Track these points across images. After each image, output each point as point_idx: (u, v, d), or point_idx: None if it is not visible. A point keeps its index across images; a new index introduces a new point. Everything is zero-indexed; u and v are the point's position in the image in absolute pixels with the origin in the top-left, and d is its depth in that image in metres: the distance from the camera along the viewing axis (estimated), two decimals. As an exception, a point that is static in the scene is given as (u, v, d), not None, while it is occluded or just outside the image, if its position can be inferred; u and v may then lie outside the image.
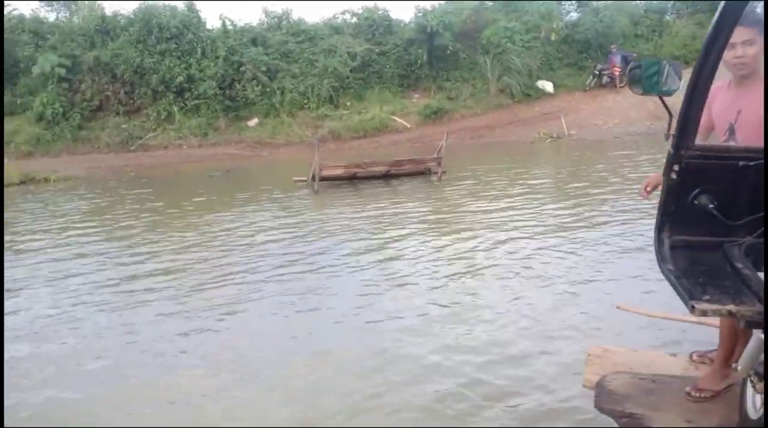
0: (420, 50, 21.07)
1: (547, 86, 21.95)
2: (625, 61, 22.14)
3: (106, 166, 15.74)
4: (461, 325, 5.01)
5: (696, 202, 2.51)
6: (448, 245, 7.69)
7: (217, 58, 18.94)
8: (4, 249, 8.25)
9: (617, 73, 21.92)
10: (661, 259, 2.53)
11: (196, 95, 18.59)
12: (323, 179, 11.69)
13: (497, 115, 20.24)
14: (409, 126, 19.40)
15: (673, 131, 2.44)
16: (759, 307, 2.11)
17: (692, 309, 2.18)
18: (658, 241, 2.59)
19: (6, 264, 7.26)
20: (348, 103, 20.01)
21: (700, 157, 2.47)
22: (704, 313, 2.20)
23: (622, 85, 21.96)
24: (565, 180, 12.32)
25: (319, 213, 10.28)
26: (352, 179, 12.31)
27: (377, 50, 20.94)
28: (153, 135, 17.95)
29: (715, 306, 2.18)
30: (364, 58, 20.54)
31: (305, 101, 19.37)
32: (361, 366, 4.33)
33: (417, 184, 12.35)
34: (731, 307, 2.16)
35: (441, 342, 4.67)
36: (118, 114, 18.43)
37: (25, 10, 25.60)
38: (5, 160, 16.03)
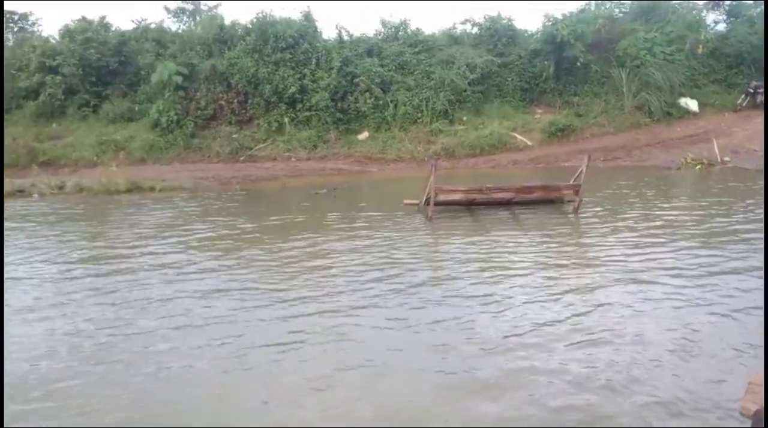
0: (546, 62, 19.30)
1: (692, 105, 19.45)
2: (787, 78, 19.24)
3: (213, 177, 15.35)
4: None
5: None
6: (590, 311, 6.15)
7: (331, 69, 18.24)
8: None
9: (775, 92, 19.03)
10: None
11: (308, 107, 17.97)
12: (438, 204, 10.39)
13: (633, 135, 18.06)
14: (530, 144, 17.70)
15: None
16: None
17: None
18: None
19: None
20: (464, 118, 18.63)
21: None
22: None
23: (781, 104, 19.07)
24: (731, 220, 10.21)
25: (432, 248, 9.05)
26: (470, 205, 10.91)
27: (499, 62, 19.43)
28: (263, 146, 17.48)
29: None
30: (483, 70, 19.10)
31: (419, 115, 18.20)
32: None
33: (546, 215, 10.77)
34: None
35: None
36: (230, 123, 18.17)
37: (154, 17, 26.51)
38: (114, 167, 16.20)
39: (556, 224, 10.17)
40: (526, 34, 21.08)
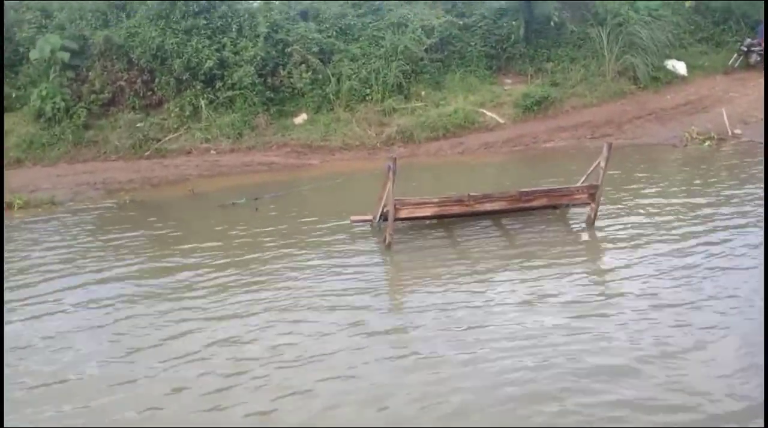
0: (515, 22, 16.31)
1: (679, 67, 16.86)
2: (783, 34, 16.83)
3: (103, 182, 11.82)
4: None
5: None
6: None
7: (257, 36, 14.77)
8: None
9: (772, 50, 16.63)
10: None
11: (229, 85, 14.50)
12: (399, 220, 7.38)
13: (619, 106, 15.35)
14: (502, 121, 14.78)
15: None
16: None
17: None
18: None
19: None
20: (422, 93, 15.52)
21: None
22: None
23: (777, 65, 16.69)
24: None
25: (382, 319, 6.08)
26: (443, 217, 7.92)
27: (460, 23, 16.30)
28: (174, 136, 13.98)
29: None
30: (442, 34, 15.96)
31: (368, 91, 14.98)
32: None
33: (550, 230, 7.93)
34: None
35: None
36: (133, 109, 14.53)
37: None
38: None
39: (569, 247, 7.33)
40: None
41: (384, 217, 7.29)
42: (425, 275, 6.80)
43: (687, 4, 17.44)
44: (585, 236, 7.64)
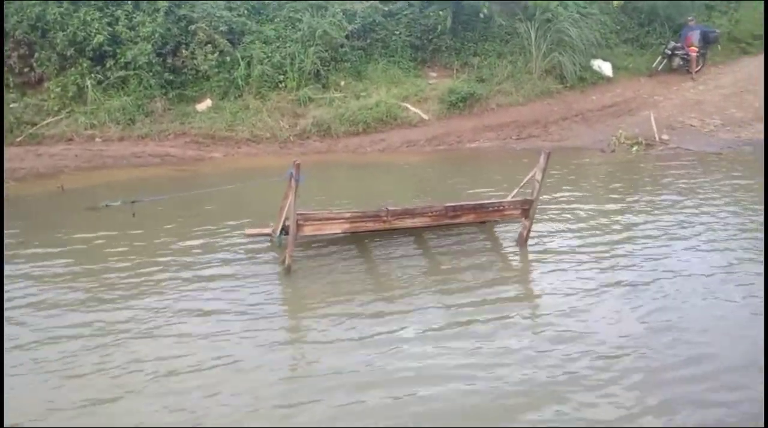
0: (442, 12, 15.35)
1: (605, 68, 16.50)
2: (706, 39, 16.84)
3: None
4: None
5: None
6: None
7: (157, 11, 13.08)
8: None
9: (694, 54, 16.59)
10: None
11: (122, 64, 12.73)
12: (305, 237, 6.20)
13: (545, 106, 14.76)
14: (426, 117, 13.82)
15: None
16: None
17: None
18: None
19: None
20: (342, 83, 14.31)
21: None
22: None
23: (698, 68, 16.73)
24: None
25: (272, 373, 4.94)
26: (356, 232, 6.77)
27: (384, 9, 15.18)
28: (53, 120, 12.12)
29: None
30: (365, 20, 14.80)
31: (281, 77, 13.61)
32: None
33: (477, 248, 6.94)
34: None
35: None
36: (8, 88, 12.51)
37: None
38: None
39: (496, 271, 6.37)
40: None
41: (286, 231, 6.13)
42: (326, 309, 5.58)
43: (615, 3, 17.10)
44: (515, 257, 6.75)
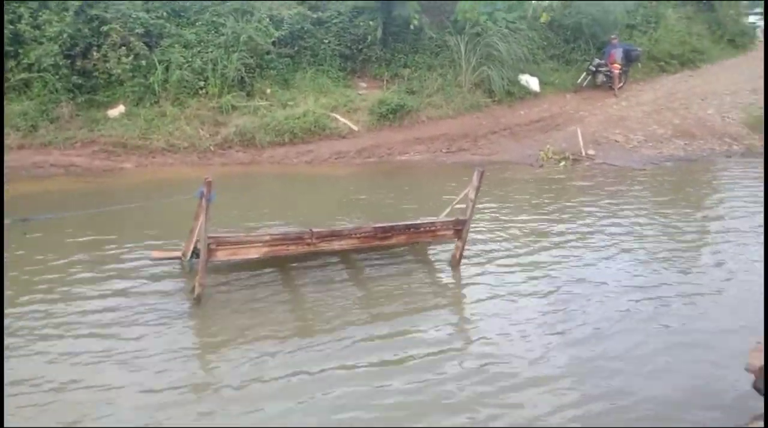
0: (372, 22, 15.07)
1: (532, 83, 16.66)
2: (628, 56, 17.33)
3: None
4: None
5: None
6: None
7: (65, 9, 12.12)
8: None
9: (617, 72, 17.02)
10: None
11: (25, 65, 11.69)
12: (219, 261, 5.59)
13: (474, 119, 14.69)
14: (356, 128, 13.44)
15: None
16: None
17: None
18: None
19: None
20: (268, 90, 13.73)
21: None
22: None
23: (620, 85, 17.18)
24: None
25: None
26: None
27: (313, 17, 14.73)
28: (-59, 125, 10.93)
29: None
30: (293, 27, 14.30)
31: (202, 84, 12.88)
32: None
33: (406, 267, 6.53)
34: None
35: None
36: None
37: None
38: None
39: (432, 294, 5.98)
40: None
41: (197, 254, 5.52)
42: (240, 348, 4.84)
43: (542, 18, 17.32)
44: (449, 280, 6.38)
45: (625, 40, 18.07)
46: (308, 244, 5.71)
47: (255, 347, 4.89)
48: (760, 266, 6.85)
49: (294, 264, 6.24)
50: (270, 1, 14.45)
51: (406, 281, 6.13)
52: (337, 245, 5.92)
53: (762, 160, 13.06)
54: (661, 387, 4.61)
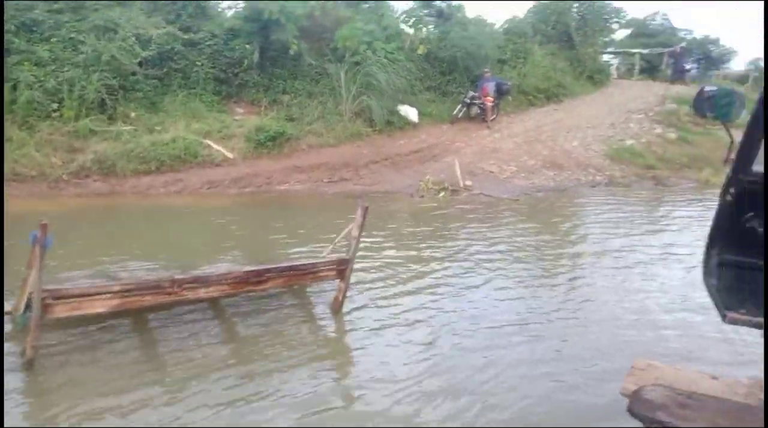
0: (248, 46, 14.54)
1: (411, 114, 16.87)
2: (500, 90, 18.09)
3: None
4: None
5: (748, 225, 2.77)
6: None
7: None
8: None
9: (490, 104, 17.69)
10: (706, 273, 2.96)
11: None
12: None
13: (356, 149, 14.53)
14: (231, 156, 12.74)
15: (732, 156, 2.61)
16: None
17: (724, 317, 2.69)
18: (707, 256, 2.97)
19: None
20: (132, 114, 12.70)
21: (757, 183, 2.70)
22: (735, 322, 2.67)
23: (493, 117, 17.86)
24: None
25: None
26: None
27: (185, 37, 13.93)
28: None
29: (746, 318, 2.62)
30: (162, 47, 13.43)
31: (56, 106, 11.64)
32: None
33: (282, 313, 5.98)
34: (761, 320, 2.55)
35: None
36: None
37: None
38: None
39: (313, 346, 5.42)
40: (219, 9, 16.06)
41: (27, 305, 4.65)
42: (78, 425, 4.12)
43: (419, 50, 17.66)
44: (330, 328, 5.89)
45: (497, 74, 18.87)
46: (168, 294, 5.00)
47: (93, 424, 4.08)
48: (617, 289, 7.13)
49: (152, 314, 5.49)
50: (137, 19, 13.45)
51: (280, 329, 5.51)
52: (203, 293, 5.26)
53: (622, 188, 14.04)
54: (537, 421, 4.47)
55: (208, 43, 14.40)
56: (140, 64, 12.98)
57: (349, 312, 5.96)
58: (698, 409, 2.95)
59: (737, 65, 33.03)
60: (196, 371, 4.75)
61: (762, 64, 30.93)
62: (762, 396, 3.17)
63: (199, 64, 14.09)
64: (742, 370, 4.94)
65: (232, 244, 8.26)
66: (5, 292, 5.13)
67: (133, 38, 12.97)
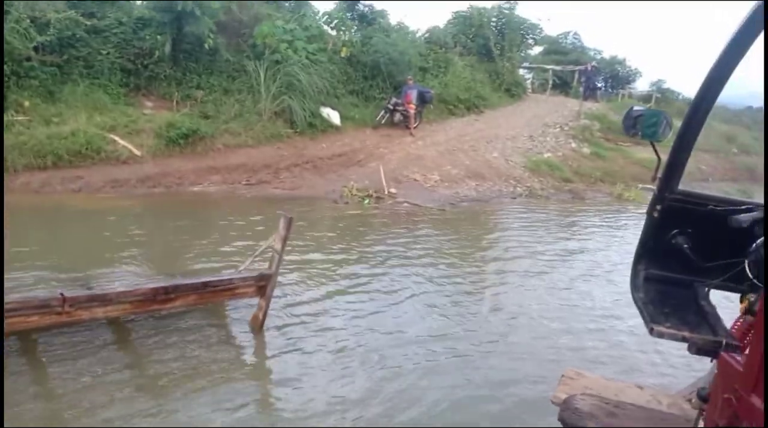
0: (160, 37, 13.54)
1: (333, 116, 16.41)
2: (422, 98, 17.96)
3: None
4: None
5: (673, 242, 2.91)
6: None
7: None
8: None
9: (412, 112, 17.53)
10: (633, 288, 3.02)
11: None
12: None
13: (276, 151, 13.87)
14: (139, 154, 11.74)
15: (659, 174, 2.86)
16: (711, 338, 2.63)
17: (651, 330, 2.67)
18: (634, 272, 3.04)
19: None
20: (26, 103, 11.45)
21: (681, 201, 2.87)
22: (661, 335, 2.66)
23: (415, 125, 17.71)
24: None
25: None
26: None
27: (88, 23, 12.76)
28: None
29: (672, 332, 2.65)
30: (62, 33, 12.22)
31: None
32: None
33: (195, 333, 5.31)
34: (686, 334, 2.63)
35: None
36: None
37: None
38: None
39: (232, 374, 4.81)
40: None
41: None
42: None
43: (342, 52, 17.23)
44: (248, 351, 5.27)
45: (419, 82, 18.74)
46: (59, 314, 4.25)
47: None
48: (537, 307, 6.99)
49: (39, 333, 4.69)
50: (33, 1, 12.17)
51: (192, 352, 4.86)
52: (101, 312, 4.52)
53: (543, 200, 14.20)
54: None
55: (114, 30, 13.31)
56: (36, 49, 11.76)
57: (268, 329, 5.38)
58: (625, 418, 3.03)
59: (642, 86, 34.88)
60: (95, 402, 4.05)
61: (664, 86, 32.97)
62: (685, 406, 3.27)
63: (104, 52, 12.97)
64: (667, 380, 5.17)
65: (137, 252, 7.40)
66: None
67: (29, 21, 11.72)
